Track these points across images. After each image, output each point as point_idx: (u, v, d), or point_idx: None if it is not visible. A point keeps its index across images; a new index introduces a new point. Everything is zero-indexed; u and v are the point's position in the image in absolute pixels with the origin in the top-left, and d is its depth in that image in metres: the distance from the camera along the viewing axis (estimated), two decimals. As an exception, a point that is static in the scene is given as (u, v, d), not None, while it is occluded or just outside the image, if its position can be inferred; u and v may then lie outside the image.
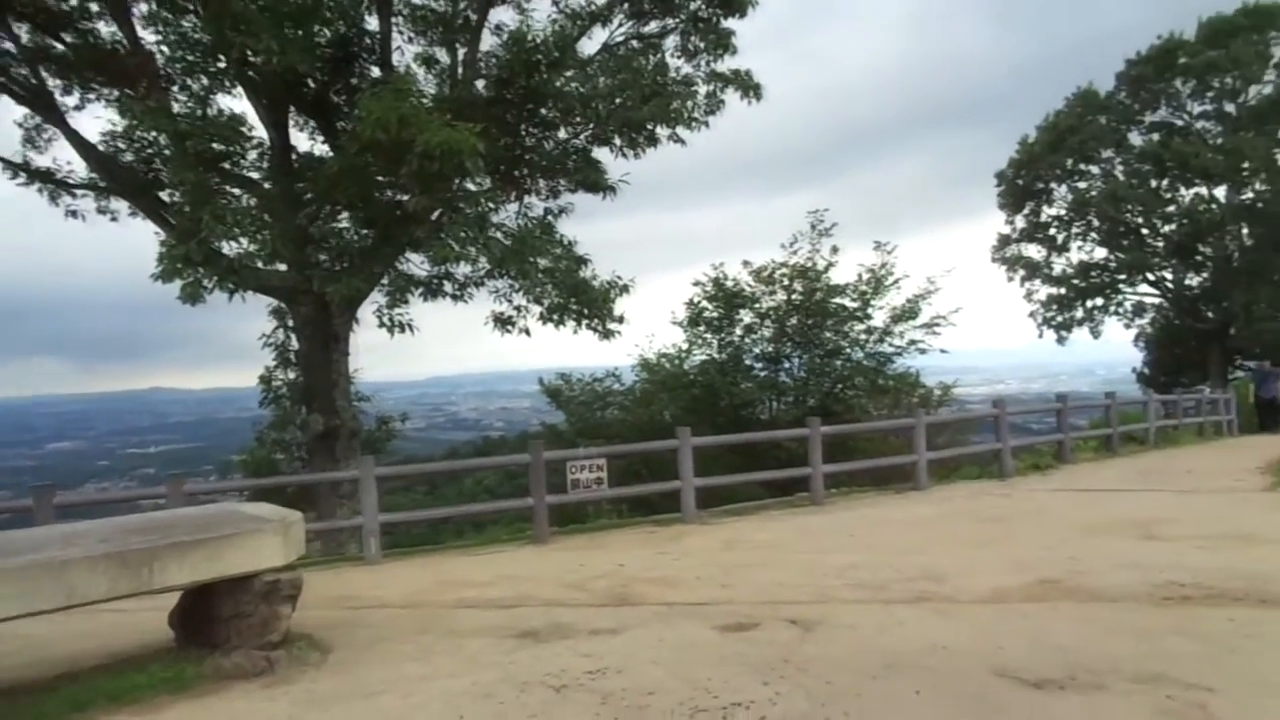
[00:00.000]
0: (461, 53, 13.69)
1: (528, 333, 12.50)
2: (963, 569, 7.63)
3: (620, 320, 12.87)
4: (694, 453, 11.02)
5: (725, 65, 14.16)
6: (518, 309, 12.58)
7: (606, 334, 12.93)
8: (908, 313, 23.64)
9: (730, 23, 14.11)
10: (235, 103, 17.33)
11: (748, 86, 13.79)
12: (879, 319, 23.97)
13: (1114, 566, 7.44)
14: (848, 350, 24.14)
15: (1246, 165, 42.27)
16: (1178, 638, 5.46)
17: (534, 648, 5.94)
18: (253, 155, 14.66)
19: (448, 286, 12.31)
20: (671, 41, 14.26)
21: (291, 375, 14.93)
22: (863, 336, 24.08)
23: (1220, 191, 44.57)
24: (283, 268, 13.15)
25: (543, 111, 12.62)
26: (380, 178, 10.81)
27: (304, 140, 14.51)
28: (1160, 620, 5.88)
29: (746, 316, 24.17)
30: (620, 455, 13.58)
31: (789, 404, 24.28)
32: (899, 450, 23.73)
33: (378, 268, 11.56)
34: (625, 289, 12.70)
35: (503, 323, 12.41)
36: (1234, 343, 45.33)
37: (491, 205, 12.16)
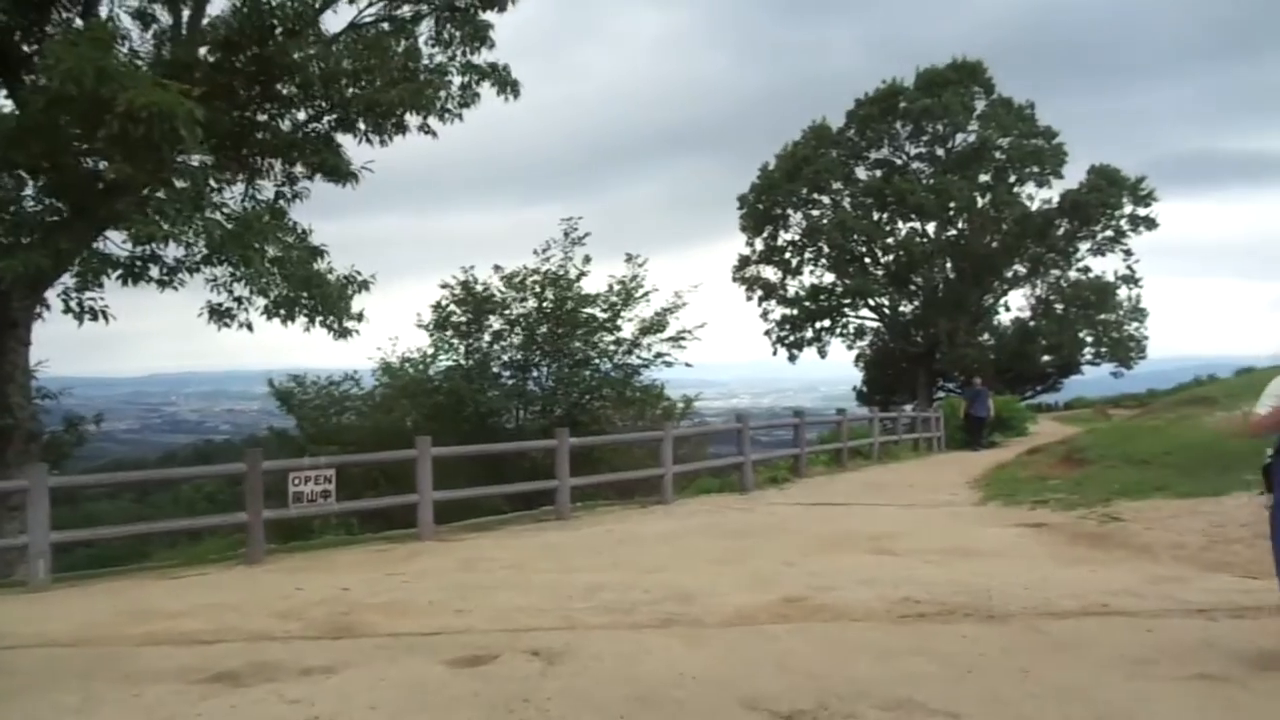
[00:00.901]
0: (186, 13, 12.18)
1: (249, 327, 11.20)
2: (709, 588, 7.42)
3: (359, 319, 11.83)
4: (434, 463, 10.26)
5: (482, 59, 13.51)
6: (238, 300, 11.22)
7: (343, 333, 11.85)
8: (656, 325, 23.93)
9: (489, 16, 13.48)
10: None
11: (505, 82, 13.21)
12: (628, 331, 24.12)
13: (853, 582, 7.51)
14: (596, 361, 24.08)
15: (952, 205, 46.89)
16: (919, 658, 5.44)
17: (229, 694, 5.03)
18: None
19: (154, 270, 10.76)
20: (426, 28, 13.41)
21: (-48, 366, 12.60)
22: (611, 348, 24.11)
23: (931, 227, 49.19)
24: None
25: (278, 87, 11.37)
26: (75, 142, 9.22)
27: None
28: (901, 639, 5.88)
29: (496, 323, 23.51)
30: (352, 465, 12.55)
31: (536, 413, 23.84)
32: (644, 462, 23.95)
33: (66, 244, 9.86)
34: (365, 285, 11.67)
35: (220, 315, 11.01)
36: (939, 365, 50.10)
37: (213, 184, 10.79)
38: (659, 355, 24.48)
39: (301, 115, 12.66)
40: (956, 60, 49.54)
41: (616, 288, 23.88)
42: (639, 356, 24.47)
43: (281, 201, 12.25)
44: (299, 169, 12.33)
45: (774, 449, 28.67)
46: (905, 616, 6.47)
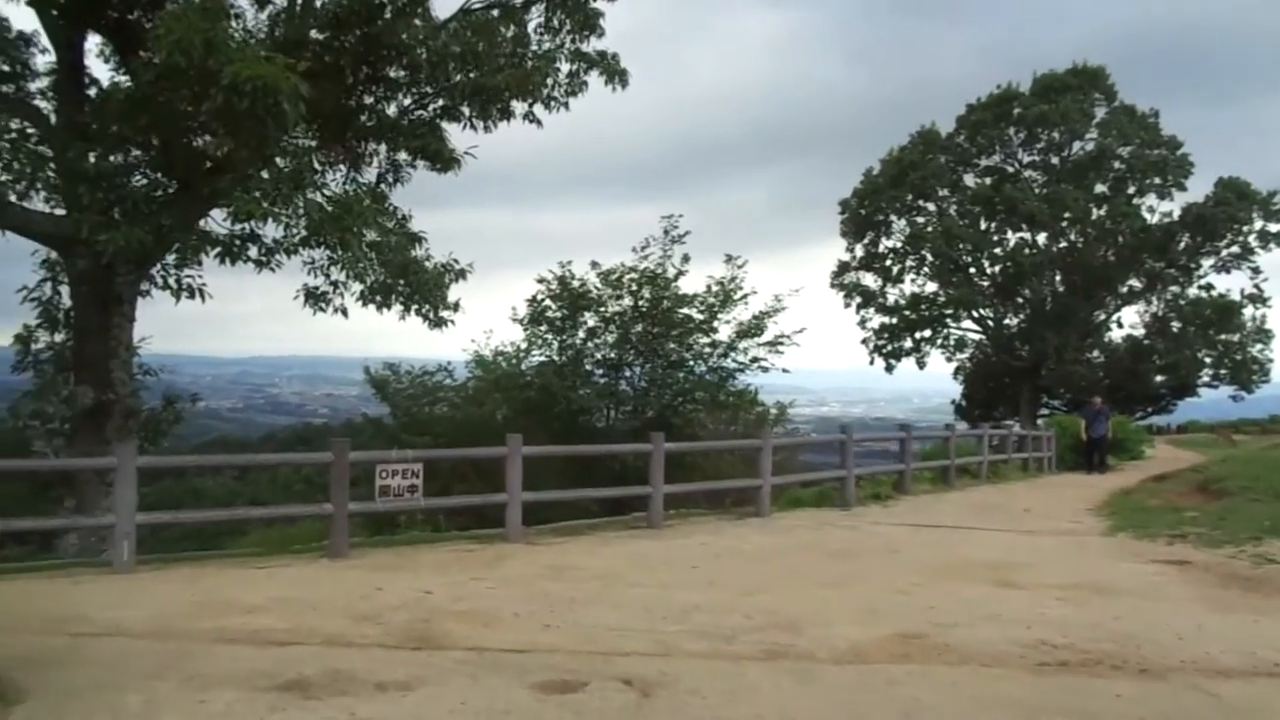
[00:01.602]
0: (300, -9, 12.05)
1: (344, 312, 10.99)
2: (817, 615, 6.79)
3: (455, 308, 11.51)
4: (524, 462, 9.85)
5: (591, 47, 13.08)
6: (335, 284, 11.01)
7: (438, 322, 11.56)
8: (753, 329, 23.25)
9: (600, 3, 13.05)
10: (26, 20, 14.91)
11: (613, 71, 12.75)
12: (724, 333, 23.51)
13: (976, 618, 6.78)
14: (690, 363, 23.53)
15: (1066, 215, 44.83)
16: (1067, 720, 4.73)
17: (299, 707, 4.64)
18: (44, 82, 12.54)
19: (252, 250, 10.62)
20: (535, 13, 13.04)
21: (59, 338, 12.74)
22: (707, 350, 23.53)
23: (1041, 238, 47.17)
24: (60, 211, 11.16)
25: (385, 69, 11.13)
26: (183, 117, 9.09)
27: (106, 71, 12.48)
28: (1044, 694, 5.17)
29: (590, 319, 23.17)
30: (440, 460, 12.27)
31: (626, 414, 23.42)
32: (735, 470, 23.24)
33: (169, 221, 9.77)
34: (462, 274, 11.35)
35: (315, 298, 10.81)
36: (1044, 381, 48.04)
37: (316, 166, 10.60)
38: (755, 360, 23.80)
39: (407, 100, 12.41)
40: (1076, 65, 47.42)
41: (715, 289, 23.30)
42: (734, 360, 23.84)
43: (383, 186, 12.05)
44: (402, 155, 12.09)
45: (868, 461, 27.75)
46: (1044, 665, 5.74)
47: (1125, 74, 47.36)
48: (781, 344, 23.62)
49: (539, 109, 12.74)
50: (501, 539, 9.82)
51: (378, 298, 10.54)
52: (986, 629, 6.54)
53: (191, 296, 10.67)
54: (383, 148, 12.72)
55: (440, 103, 12.22)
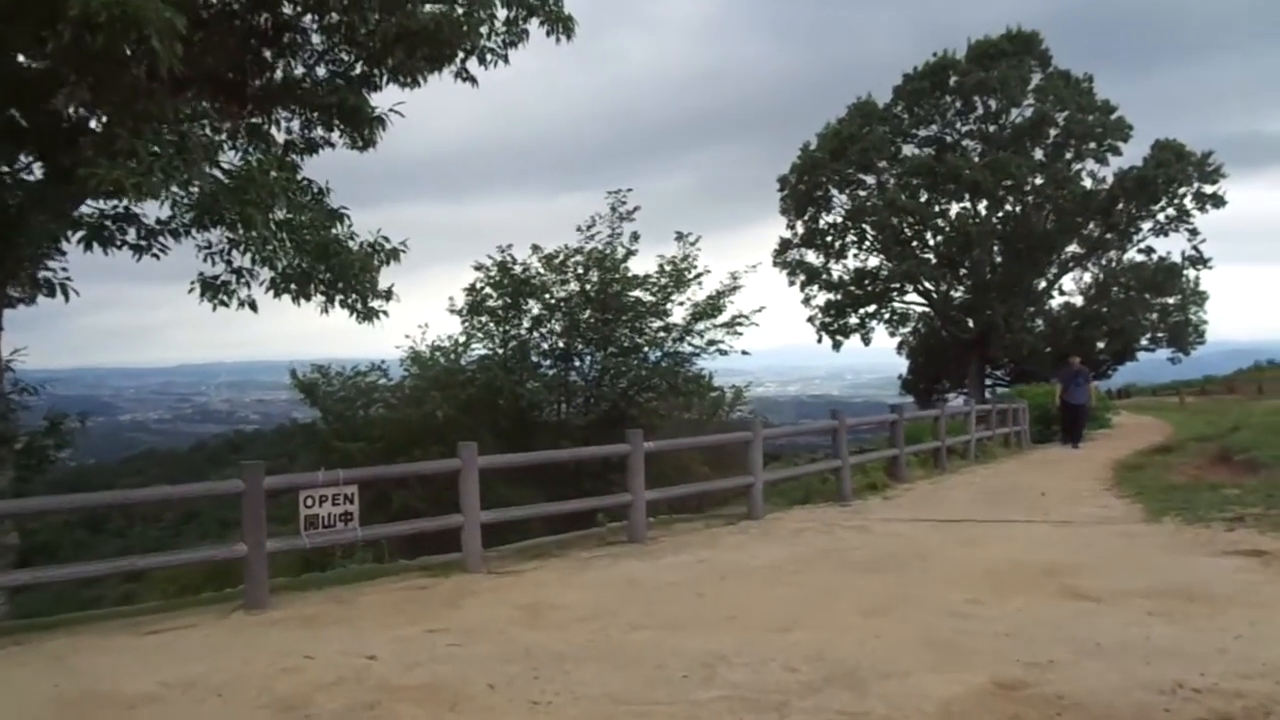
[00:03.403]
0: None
1: (252, 306, 9.11)
2: (876, 659, 5.30)
3: (387, 296, 9.75)
4: (480, 474, 8.18)
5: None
6: (238, 273, 9.13)
7: (368, 314, 9.78)
8: (710, 309, 21.81)
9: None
10: None
11: (556, 18, 11.05)
12: (678, 316, 22.06)
13: (1074, 651, 5.35)
14: (645, 349, 22.01)
15: (1008, 182, 44.28)
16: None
17: None
18: None
19: (130, 234, 8.71)
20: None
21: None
22: (661, 334, 22.04)
23: (982, 207, 46.61)
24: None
25: (285, 9, 9.28)
26: (22, 57, 7.21)
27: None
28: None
29: (535, 307, 21.51)
30: (377, 480, 10.56)
31: (579, 406, 21.84)
32: (695, 465, 21.72)
33: (15, 198, 7.85)
34: (394, 254, 9.53)
35: (214, 289, 8.94)
36: (991, 352, 47.62)
37: (206, 131, 8.76)
38: (712, 343, 22.40)
39: (318, 48, 10.50)
40: (1011, 31, 46.89)
41: (667, 268, 21.79)
42: (690, 344, 22.42)
43: (292, 156, 10.22)
44: (317, 118, 10.23)
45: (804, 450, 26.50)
46: (1207, 725, 4.33)
47: (1055, 43, 46.98)
48: (740, 325, 22.28)
49: (473, 65, 10.98)
50: (459, 567, 8.15)
51: (292, 286, 8.73)
52: (1096, 668, 5.11)
53: (51, 294, 8.73)
54: (292, 115, 10.85)
55: (357, 56, 10.39)
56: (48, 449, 11.80)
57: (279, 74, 9.94)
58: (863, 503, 11.59)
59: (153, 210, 8.45)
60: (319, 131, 11.26)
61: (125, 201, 7.96)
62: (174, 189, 7.45)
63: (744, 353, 22.63)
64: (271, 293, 8.82)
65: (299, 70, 10.53)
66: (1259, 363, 68.04)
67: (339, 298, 9.46)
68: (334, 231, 9.18)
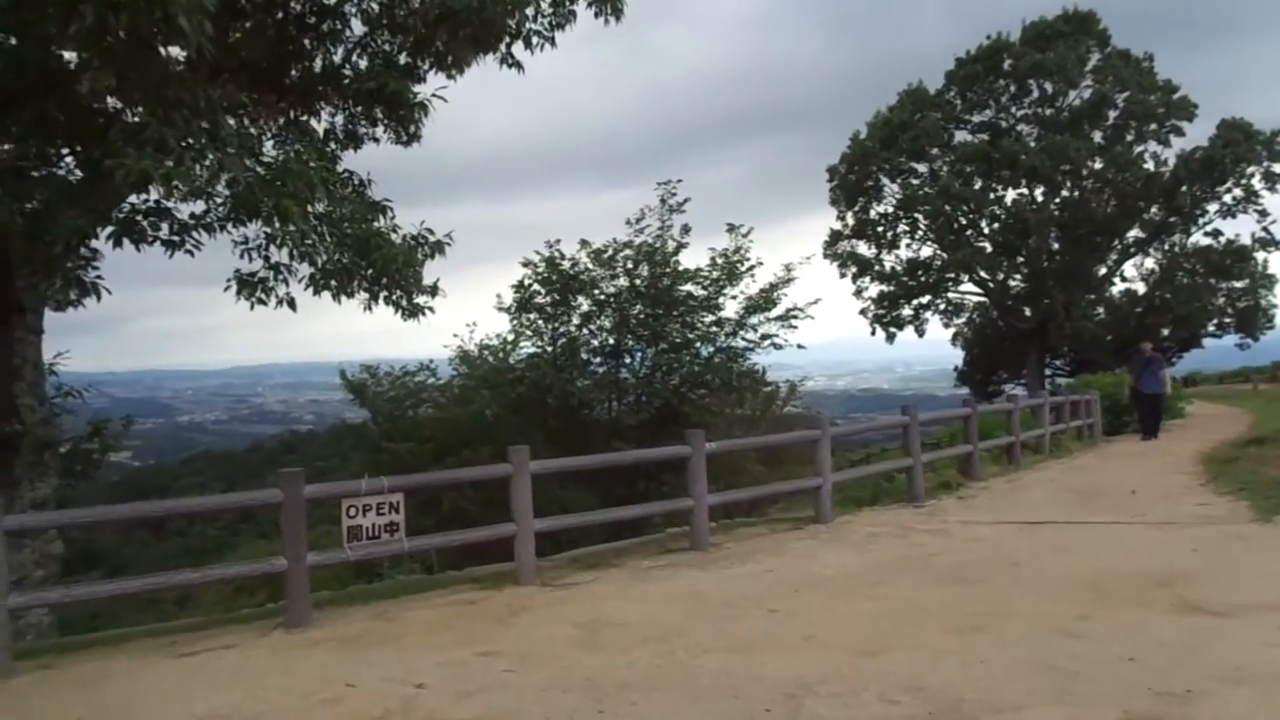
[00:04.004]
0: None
1: (291, 304, 8.71)
2: (984, 688, 4.68)
3: (433, 292, 9.28)
4: (533, 480, 7.67)
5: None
6: (275, 269, 8.72)
7: (413, 311, 9.33)
8: (764, 302, 21.15)
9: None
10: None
11: (604, -2, 10.49)
12: (730, 310, 21.45)
13: (1210, 676, 4.69)
14: (696, 344, 21.43)
15: (1065, 167, 42.84)
16: None
17: None
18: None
19: (163, 229, 8.32)
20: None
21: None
22: (713, 329, 21.44)
23: (1039, 193, 45.20)
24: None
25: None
26: (54, 46, 6.83)
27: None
28: None
29: (584, 303, 21.02)
30: (424, 488, 10.12)
31: (629, 404, 21.32)
32: (748, 464, 21.05)
33: (42, 196, 7.50)
34: (439, 247, 9.04)
35: (251, 287, 8.53)
36: (1050, 341, 46.18)
37: (244, 122, 8.34)
38: (765, 337, 21.76)
39: (358, 33, 10.05)
40: (1067, 11, 45.34)
41: (719, 261, 21.17)
42: (743, 338, 21.79)
43: (332, 144, 9.80)
44: (360, 112, 9.79)
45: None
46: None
47: (1113, 22, 45.36)
48: (795, 317, 21.60)
49: (519, 50, 10.48)
50: (511, 580, 7.65)
51: (333, 282, 8.29)
52: (1243, 697, 4.45)
53: (86, 295, 8.40)
54: (334, 110, 10.42)
55: (400, 44, 9.94)
56: (92, 453, 11.57)
57: (318, 63, 9.51)
58: (937, 503, 10.89)
59: (187, 204, 8.07)
60: (362, 125, 10.87)
61: (157, 195, 7.60)
62: (206, 180, 7.02)
63: (799, 346, 21.94)
64: (311, 290, 8.40)
65: (338, 58, 10.10)
66: (1333, 349, 65.55)
67: (383, 294, 9.01)
68: (376, 225, 8.73)
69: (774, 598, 6.75)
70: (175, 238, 8.31)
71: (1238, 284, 45.39)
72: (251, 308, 8.43)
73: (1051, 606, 6.20)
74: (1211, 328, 46.41)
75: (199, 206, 8.10)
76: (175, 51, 7.62)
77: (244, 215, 7.75)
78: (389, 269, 8.34)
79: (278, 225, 7.58)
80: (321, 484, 6.98)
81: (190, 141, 6.77)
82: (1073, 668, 4.96)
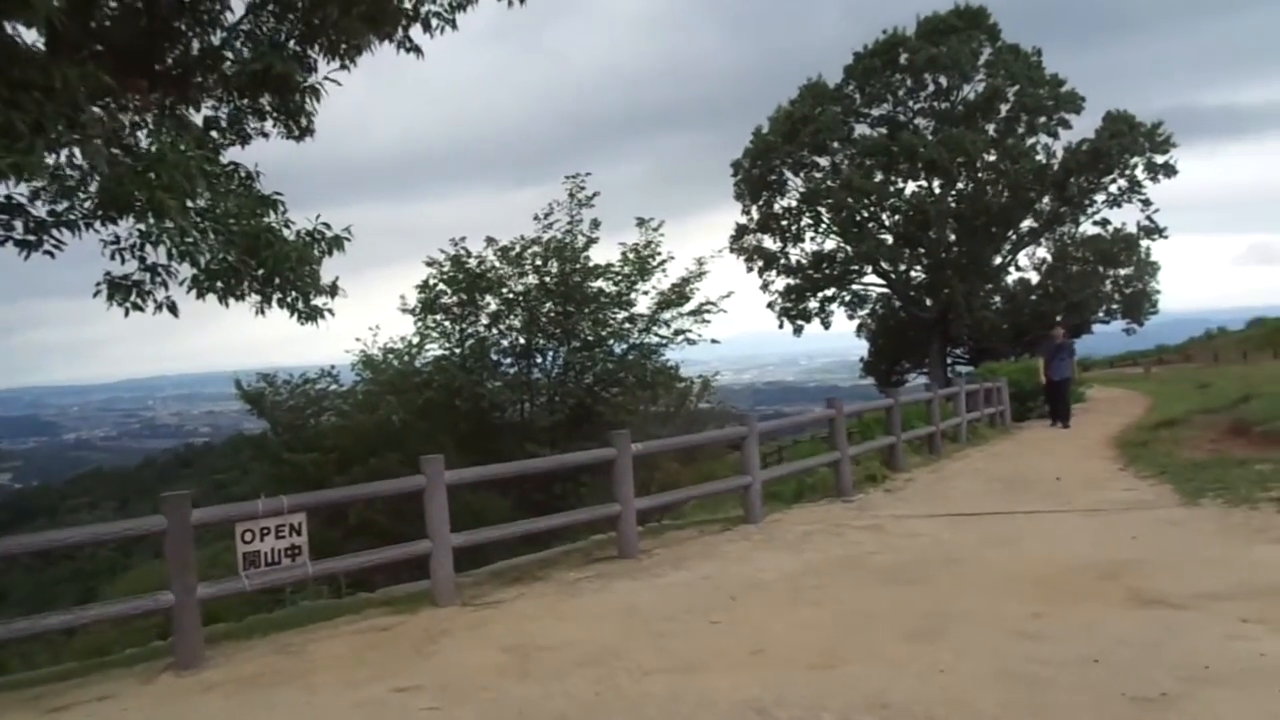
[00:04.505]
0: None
1: (172, 309, 7.88)
2: (951, 703, 4.33)
3: (332, 293, 8.58)
4: (450, 493, 7.08)
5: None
6: (153, 271, 7.87)
7: (311, 314, 8.59)
8: (677, 297, 20.84)
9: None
10: None
11: (507, -23, 9.90)
12: (642, 306, 21.07)
13: (1181, 677, 4.44)
14: (609, 342, 20.99)
15: (960, 159, 43.84)
16: None
17: None
18: None
19: (17, 226, 7.38)
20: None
21: None
22: (625, 326, 21.03)
23: (936, 185, 46.16)
24: None
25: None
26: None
27: None
28: None
29: (492, 303, 20.37)
30: (329, 505, 9.41)
31: (542, 405, 20.76)
32: (684, 463, 20.67)
33: None
34: (336, 243, 8.30)
35: (124, 291, 7.68)
36: (951, 331, 47.24)
37: (107, 110, 7.50)
38: (679, 332, 21.46)
39: (241, 23, 9.25)
40: (959, 6, 46.39)
41: (630, 257, 20.75)
42: (656, 334, 21.46)
43: (213, 132, 8.97)
44: (241, 97, 8.98)
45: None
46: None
47: (1001, 17, 46.62)
48: (708, 312, 21.37)
49: (417, 32, 9.81)
50: (428, 600, 7.06)
51: (219, 284, 7.52)
52: (1221, 699, 4.20)
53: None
54: (218, 103, 9.57)
55: (288, 31, 9.16)
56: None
57: (195, 45, 8.69)
58: (865, 497, 10.67)
59: (44, 200, 7.19)
60: (249, 119, 10.05)
61: (3, 190, 6.73)
62: (63, 169, 6.22)
63: (713, 341, 21.71)
64: (194, 293, 7.61)
65: (217, 41, 9.26)
66: (1210, 330, 69.01)
67: (276, 296, 8.26)
68: (266, 221, 7.98)
69: (714, 608, 6.33)
70: (30, 237, 7.42)
71: (1124, 271, 47.22)
72: (126, 314, 7.62)
73: (1002, 605, 5.94)
74: (1100, 314, 48.20)
75: (57, 200, 7.22)
76: (27, 32, 6.80)
77: (113, 211, 6.95)
78: (282, 268, 7.60)
79: (152, 222, 6.80)
80: (211, 507, 6.26)
81: (40, 121, 5.95)
82: (1038, 674, 4.66)
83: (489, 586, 7.57)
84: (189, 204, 7.11)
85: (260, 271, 7.70)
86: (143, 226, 7.13)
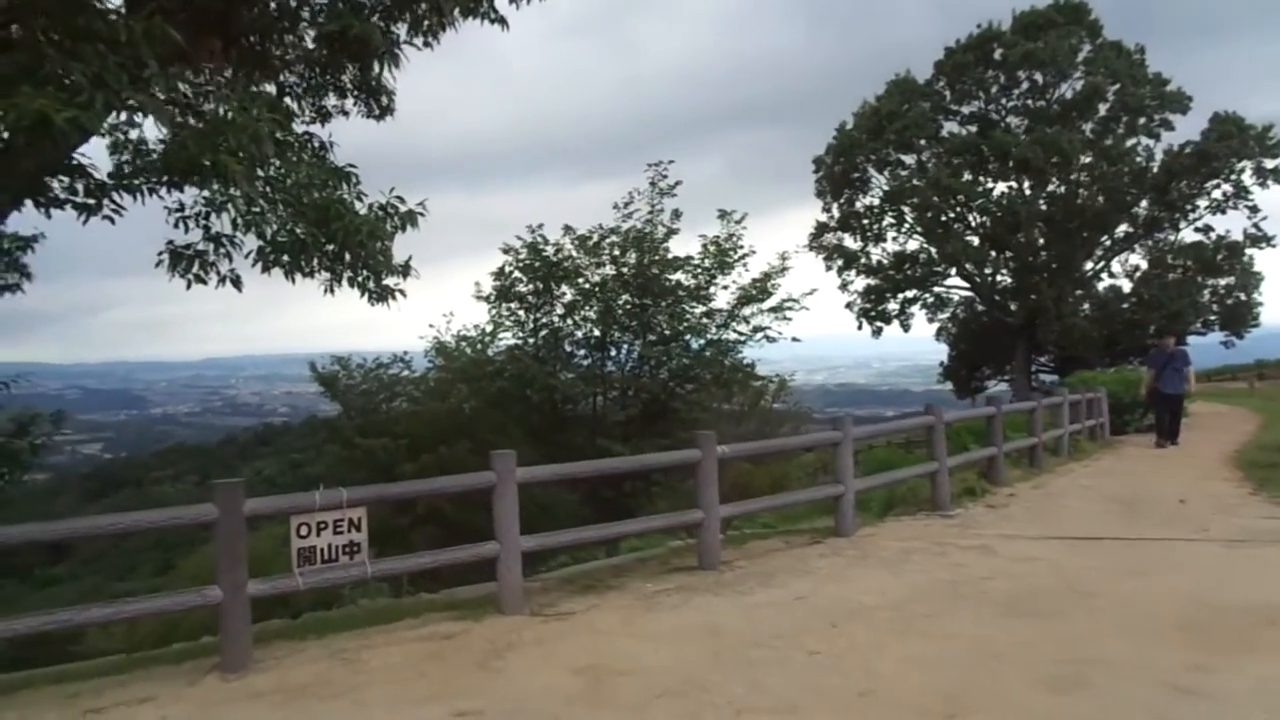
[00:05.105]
0: None
1: (235, 282, 7.51)
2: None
3: (404, 272, 8.09)
4: (519, 490, 6.51)
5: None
6: (216, 240, 7.46)
7: (382, 294, 8.13)
8: (759, 292, 20.11)
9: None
10: None
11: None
12: (721, 301, 20.40)
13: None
14: (686, 337, 20.37)
15: (1057, 159, 42.02)
16: None
17: None
18: None
19: (78, 187, 7.03)
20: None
21: None
22: (704, 321, 20.39)
23: (1027, 186, 44.39)
24: None
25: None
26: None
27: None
28: None
29: (568, 293, 19.91)
30: (387, 499, 8.94)
31: (615, 399, 20.25)
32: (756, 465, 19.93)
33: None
34: (410, 218, 7.80)
35: (187, 261, 7.29)
36: (1038, 337, 45.43)
37: (175, 72, 7.09)
38: (758, 329, 20.73)
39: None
40: (1058, 1, 44.49)
41: (711, 249, 20.10)
42: (735, 330, 20.77)
43: (287, 97, 8.56)
44: (314, 63, 8.55)
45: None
46: None
47: (1103, 13, 44.57)
48: (789, 309, 20.60)
49: (503, 3, 9.28)
50: (494, 607, 6.50)
51: (285, 257, 7.09)
52: None
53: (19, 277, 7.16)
54: (288, 66, 9.14)
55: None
56: (21, 453, 10.28)
57: (273, 6, 8.25)
58: (965, 512, 9.82)
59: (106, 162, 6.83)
60: (329, 95, 9.65)
61: (62, 144, 6.32)
62: (122, 126, 5.81)
63: (794, 339, 20.94)
64: (260, 266, 7.19)
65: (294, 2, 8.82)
66: (1317, 347, 65.52)
67: (346, 274, 7.80)
68: (338, 193, 7.52)
69: (811, 635, 5.64)
70: (90, 200, 7.06)
71: (1225, 281, 44.82)
72: (188, 286, 7.22)
73: (1150, 651, 5.14)
74: (1198, 325, 45.84)
75: (121, 157, 6.83)
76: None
77: (176, 176, 6.54)
78: (352, 242, 7.13)
79: (217, 188, 6.37)
80: (265, 498, 5.78)
81: (99, 71, 5.52)
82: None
83: (559, 594, 7.00)
84: (258, 172, 6.65)
85: (330, 247, 7.22)
86: (207, 194, 6.71)
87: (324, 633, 6.22)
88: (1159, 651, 5.12)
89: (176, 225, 7.29)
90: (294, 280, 7.34)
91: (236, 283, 7.49)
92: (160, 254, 7.26)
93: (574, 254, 19.65)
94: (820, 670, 5.05)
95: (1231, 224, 43.28)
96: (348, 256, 7.38)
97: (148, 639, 8.92)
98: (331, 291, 8.07)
